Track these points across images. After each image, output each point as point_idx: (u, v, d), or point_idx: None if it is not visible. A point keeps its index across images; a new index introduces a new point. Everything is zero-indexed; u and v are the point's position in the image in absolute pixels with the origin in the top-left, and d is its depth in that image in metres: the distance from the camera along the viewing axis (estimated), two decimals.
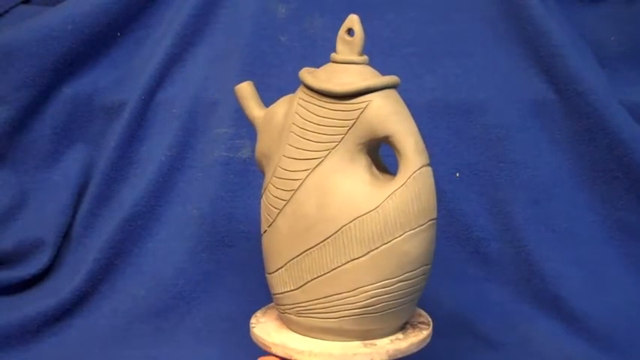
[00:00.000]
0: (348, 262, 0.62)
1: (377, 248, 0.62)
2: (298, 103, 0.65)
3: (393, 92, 0.64)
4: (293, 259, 0.64)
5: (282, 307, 0.66)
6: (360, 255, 0.62)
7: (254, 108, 0.70)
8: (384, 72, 0.67)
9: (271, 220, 0.66)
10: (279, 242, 0.65)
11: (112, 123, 0.92)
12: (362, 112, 0.62)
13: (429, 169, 0.64)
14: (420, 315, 0.71)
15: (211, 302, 0.89)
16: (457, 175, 0.90)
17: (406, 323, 0.68)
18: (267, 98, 0.91)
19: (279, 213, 0.65)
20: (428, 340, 0.67)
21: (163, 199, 0.91)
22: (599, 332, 0.86)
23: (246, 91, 0.70)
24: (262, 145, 0.68)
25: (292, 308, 0.65)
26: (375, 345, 0.64)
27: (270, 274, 0.67)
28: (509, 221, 0.90)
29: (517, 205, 0.90)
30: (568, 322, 0.87)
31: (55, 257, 0.91)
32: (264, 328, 0.67)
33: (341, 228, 0.62)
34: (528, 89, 0.91)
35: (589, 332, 0.86)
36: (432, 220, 0.64)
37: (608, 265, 0.90)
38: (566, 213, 0.90)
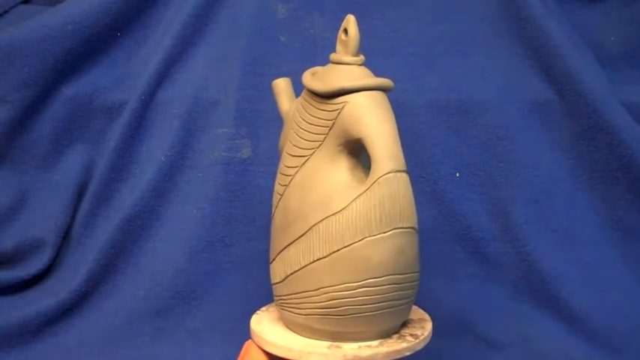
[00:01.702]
0: (314, 261, 0.63)
1: (338, 250, 0.62)
2: (299, 101, 0.67)
3: (375, 94, 0.64)
4: (280, 251, 0.66)
5: (274, 298, 0.69)
6: (324, 255, 0.63)
7: (285, 103, 0.71)
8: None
9: (273, 212, 0.68)
10: (274, 234, 0.68)
11: (112, 123, 0.92)
12: (339, 112, 0.63)
13: (399, 175, 0.62)
14: (421, 327, 0.69)
15: (211, 302, 0.89)
16: (457, 175, 0.90)
17: (397, 332, 0.67)
18: (267, 98, 0.91)
19: (276, 206, 0.67)
20: (405, 353, 0.65)
21: (163, 199, 0.91)
22: (599, 332, 0.86)
23: (280, 87, 0.72)
24: (281, 138, 0.70)
25: (277, 300, 0.68)
26: (340, 348, 0.64)
27: (270, 263, 0.69)
28: (509, 221, 0.90)
29: (517, 205, 0.90)
30: (568, 322, 0.87)
31: (55, 257, 0.91)
32: (262, 323, 0.69)
33: (312, 226, 0.63)
34: (528, 89, 0.91)
35: (589, 332, 0.86)
36: (399, 229, 0.62)
37: (608, 265, 0.90)
38: (566, 213, 0.90)
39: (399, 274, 0.63)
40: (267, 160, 0.90)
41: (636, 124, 0.89)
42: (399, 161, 0.62)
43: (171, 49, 0.92)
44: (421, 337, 0.66)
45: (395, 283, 0.63)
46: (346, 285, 0.62)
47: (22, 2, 0.99)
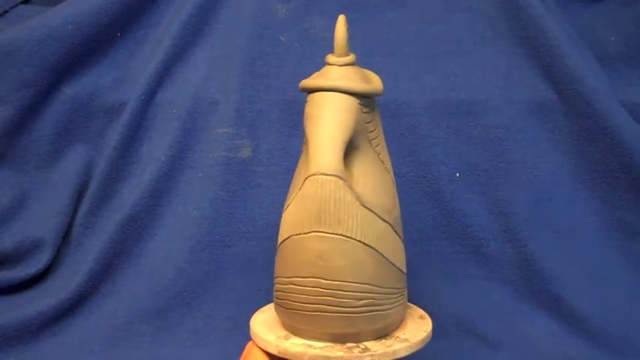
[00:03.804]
0: (275, 253, 0.65)
1: (279, 244, 0.64)
2: None
3: (328, 95, 0.63)
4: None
5: None
6: (276, 248, 0.65)
7: None
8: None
9: None
10: None
11: (112, 123, 0.92)
12: (304, 111, 0.64)
13: (325, 179, 0.60)
14: (405, 339, 0.66)
15: (211, 302, 0.89)
16: (457, 175, 0.90)
17: (359, 341, 0.65)
18: (267, 98, 0.91)
19: None
20: None
21: (163, 199, 0.91)
22: (599, 332, 0.86)
23: None
24: None
25: None
26: (286, 341, 0.65)
27: None
28: (509, 221, 0.90)
29: (517, 205, 0.90)
30: (568, 322, 0.87)
31: (55, 257, 0.92)
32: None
33: (281, 219, 0.65)
34: (528, 89, 0.91)
35: (589, 332, 0.86)
36: (319, 232, 0.61)
37: (608, 265, 0.90)
38: (566, 213, 0.90)
39: (322, 278, 0.61)
40: (267, 160, 0.90)
41: (636, 124, 0.89)
42: (328, 165, 0.61)
43: (172, 49, 0.92)
44: (379, 353, 0.63)
45: (320, 287, 0.62)
46: (280, 279, 0.64)
47: (22, 2, 0.99)
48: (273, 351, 0.65)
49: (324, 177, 0.60)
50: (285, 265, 0.63)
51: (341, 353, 0.62)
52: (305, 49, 0.91)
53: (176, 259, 0.90)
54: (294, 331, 0.66)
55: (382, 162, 0.66)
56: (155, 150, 0.91)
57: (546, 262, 0.88)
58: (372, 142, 0.65)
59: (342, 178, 0.61)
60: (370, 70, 0.68)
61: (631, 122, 0.88)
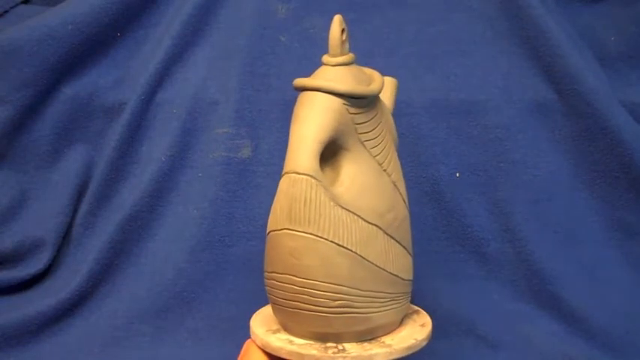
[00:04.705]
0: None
1: (265, 237, 0.65)
2: None
3: (312, 95, 0.62)
4: None
5: None
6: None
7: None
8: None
9: None
10: None
11: (112, 123, 0.92)
12: None
13: (296, 177, 0.61)
14: (389, 345, 0.64)
15: (211, 302, 0.89)
16: (457, 175, 0.90)
17: (354, 343, 0.65)
18: (268, 98, 0.91)
19: None
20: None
21: (163, 199, 0.91)
22: (599, 332, 0.86)
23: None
24: None
25: None
26: (272, 335, 0.65)
27: None
28: (509, 221, 0.90)
29: (517, 205, 0.90)
30: (568, 322, 0.87)
31: (55, 257, 0.91)
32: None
33: None
34: (528, 89, 0.91)
35: (589, 332, 0.86)
36: (290, 230, 0.61)
37: (608, 265, 0.90)
38: (566, 213, 0.90)
39: (295, 276, 0.62)
40: (267, 160, 0.90)
41: (636, 124, 0.89)
42: (301, 164, 0.60)
43: (172, 49, 0.92)
44: (352, 356, 0.63)
45: (294, 285, 0.62)
46: (265, 273, 0.65)
47: (22, 2, 0.99)
48: (259, 343, 0.66)
49: (297, 175, 0.60)
50: (267, 260, 0.64)
51: (315, 352, 0.62)
52: (305, 49, 0.91)
53: (176, 259, 0.90)
54: (285, 326, 0.66)
55: (380, 164, 0.65)
56: (155, 150, 0.91)
57: (546, 262, 0.88)
58: (367, 143, 0.64)
59: (314, 178, 0.60)
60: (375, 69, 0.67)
61: (631, 122, 0.88)
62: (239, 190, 0.90)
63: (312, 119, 0.61)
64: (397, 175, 0.67)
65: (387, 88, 0.71)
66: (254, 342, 0.67)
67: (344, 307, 0.62)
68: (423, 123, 0.90)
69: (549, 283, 0.88)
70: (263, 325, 0.68)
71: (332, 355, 0.62)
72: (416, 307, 0.72)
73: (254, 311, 0.71)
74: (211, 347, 0.86)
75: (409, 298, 0.69)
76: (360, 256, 0.62)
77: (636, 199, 0.89)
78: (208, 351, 0.85)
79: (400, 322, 0.68)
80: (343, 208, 0.61)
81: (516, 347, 0.85)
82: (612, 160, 0.89)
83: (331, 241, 0.61)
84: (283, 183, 0.62)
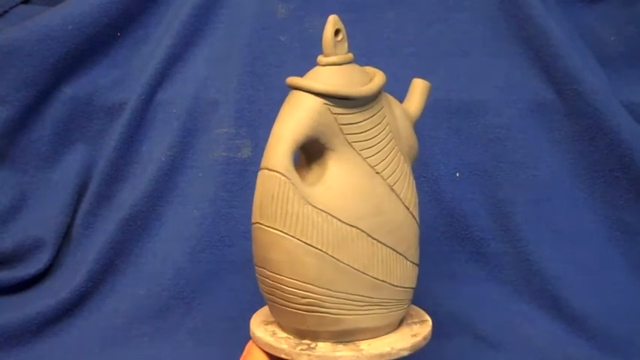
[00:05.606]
0: None
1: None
2: None
3: (296, 94, 0.62)
4: None
5: None
6: None
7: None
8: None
9: None
10: None
11: (112, 123, 0.92)
12: None
13: (268, 174, 0.60)
14: (360, 349, 0.63)
15: (211, 302, 0.89)
16: (457, 175, 0.90)
17: (328, 343, 0.65)
18: (268, 98, 0.91)
19: None
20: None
21: (163, 199, 0.91)
22: (599, 332, 0.86)
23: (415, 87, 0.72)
24: None
25: None
26: (261, 327, 0.67)
27: None
28: (509, 221, 0.90)
29: (517, 205, 0.90)
30: (568, 322, 0.87)
31: (55, 257, 0.92)
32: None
33: None
34: (528, 89, 0.91)
35: (589, 332, 0.86)
36: (260, 224, 0.61)
37: (608, 265, 0.90)
38: (566, 213, 0.90)
39: (267, 269, 0.62)
40: None
41: (636, 124, 0.89)
42: (272, 161, 0.60)
43: (172, 48, 0.92)
44: (316, 355, 0.63)
45: (267, 278, 0.63)
46: (254, 267, 0.65)
47: (22, 2, 0.99)
48: (250, 334, 0.67)
49: (268, 172, 0.61)
50: (253, 251, 0.65)
51: (285, 346, 0.63)
52: (305, 49, 0.91)
53: (176, 259, 0.90)
54: (276, 321, 0.67)
55: (373, 166, 0.63)
56: (155, 150, 0.91)
57: (546, 262, 0.88)
58: (356, 144, 0.62)
59: (284, 175, 0.60)
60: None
61: (631, 122, 0.88)
62: (239, 190, 0.90)
63: (290, 118, 0.61)
64: (398, 178, 0.65)
65: (414, 91, 0.70)
66: (255, 343, 0.67)
67: (313, 305, 0.62)
68: (423, 123, 0.90)
69: (549, 283, 0.88)
70: (261, 317, 0.69)
71: (299, 351, 0.63)
72: (426, 317, 0.70)
73: (254, 311, 0.71)
74: (211, 347, 0.86)
75: (405, 305, 0.67)
76: (332, 256, 0.61)
77: (636, 199, 0.89)
78: (208, 351, 0.85)
79: (396, 328, 0.67)
80: (315, 207, 0.61)
81: (516, 347, 0.85)
82: (612, 160, 0.89)
83: (298, 239, 0.61)
84: (258, 178, 0.62)
